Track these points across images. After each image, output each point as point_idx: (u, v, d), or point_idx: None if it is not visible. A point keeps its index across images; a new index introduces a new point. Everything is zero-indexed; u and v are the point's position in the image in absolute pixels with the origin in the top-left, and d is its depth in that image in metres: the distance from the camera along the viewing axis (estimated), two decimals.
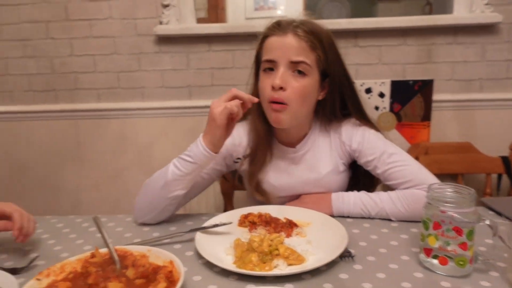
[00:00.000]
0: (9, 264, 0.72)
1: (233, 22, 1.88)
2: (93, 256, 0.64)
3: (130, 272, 0.58)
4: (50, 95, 1.77)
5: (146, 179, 0.92)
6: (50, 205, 1.88)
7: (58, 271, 0.60)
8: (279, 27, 0.86)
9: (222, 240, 0.74)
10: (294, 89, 0.84)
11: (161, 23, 1.64)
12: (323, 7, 4.68)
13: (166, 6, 1.63)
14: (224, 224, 0.78)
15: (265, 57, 0.88)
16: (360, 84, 1.61)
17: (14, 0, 1.69)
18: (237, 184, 1.16)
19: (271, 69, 0.86)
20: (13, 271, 0.66)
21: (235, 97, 0.81)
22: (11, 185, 1.87)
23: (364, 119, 0.96)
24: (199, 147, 0.81)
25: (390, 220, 0.86)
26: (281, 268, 0.63)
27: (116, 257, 0.63)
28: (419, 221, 0.67)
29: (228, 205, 1.31)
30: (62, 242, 0.81)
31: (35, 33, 1.71)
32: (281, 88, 0.83)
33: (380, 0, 4.54)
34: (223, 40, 1.66)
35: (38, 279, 0.57)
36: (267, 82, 0.86)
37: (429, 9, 4.18)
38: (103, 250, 0.66)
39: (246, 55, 1.67)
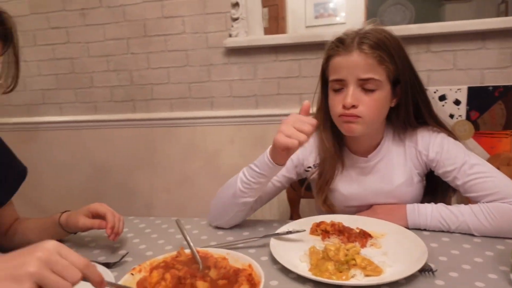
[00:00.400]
0: (102, 259, 0.80)
1: (295, 31, 1.90)
2: (178, 255, 0.68)
3: (212, 273, 0.62)
4: (128, 105, 1.92)
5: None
6: (126, 206, 2.03)
7: (148, 267, 0.65)
8: (343, 45, 0.84)
9: (296, 247, 0.76)
10: (366, 105, 0.83)
11: (230, 35, 1.71)
12: (386, 11, 4.51)
13: (235, 19, 1.70)
14: (297, 231, 0.79)
15: (332, 77, 0.87)
16: (433, 91, 1.54)
17: (100, 20, 1.87)
18: (305, 192, 1.17)
19: (341, 88, 0.86)
20: (106, 265, 0.73)
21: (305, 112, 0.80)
22: (94, 186, 2.05)
23: (441, 127, 0.92)
24: (265, 158, 0.82)
25: (471, 235, 0.81)
26: (359, 278, 0.63)
27: (198, 258, 0.67)
28: (506, 238, 0.62)
29: (294, 213, 1.32)
30: (146, 241, 0.88)
31: (117, 49, 1.88)
32: (353, 106, 0.83)
33: (448, 1, 4.26)
34: (289, 50, 1.69)
35: (132, 274, 0.63)
36: (337, 100, 0.86)
37: (505, 8, 3.83)
38: (187, 251, 0.70)
39: (311, 64, 1.68)
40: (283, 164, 0.82)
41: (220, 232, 0.91)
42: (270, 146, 0.82)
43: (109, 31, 1.87)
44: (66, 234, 0.86)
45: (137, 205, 2.02)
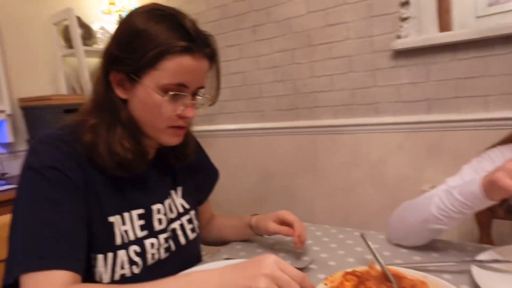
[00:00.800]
0: (288, 263, 0.84)
1: (462, 24, 1.66)
2: (369, 270, 0.67)
3: None
4: (293, 113, 2.02)
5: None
6: (288, 210, 2.13)
7: (340, 279, 0.65)
8: None
9: (505, 279, 0.65)
10: None
11: (399, 37, 1.61)
12: None
13: (404, 19, 1.59)
14: (508, 261, 0.68)
15: None
16: None
17: (269, 35, 2.02)
18: (502, 214, 1.00)
19: None
20: None
21: None
22: (259, 190, 2.23)
23: None
24: (476, 190, 0.70)
25: None
26: None
27: (392, 277, 0.64)
28: None
29: (484, 236, 1.14)
30: (326, 251, 0.89)
31: (283, 60, 1.99)
32: None
33: None
34: (472, 47, 1.48)
35: (325, 284, 0.64)
36: None
37: None
38: (377, 267, 0.68)
39: (500, 60, 1.44)
40: (498, 200, 0.70)
41: (404, 250, 0.85)
42: (483, 175, 0.70)
43: (276, 44, 2.00)
44: (255, 235, 0.95)
45: (299, 211, 2.08)
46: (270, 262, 0.51)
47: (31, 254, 0.59)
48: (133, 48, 0.67)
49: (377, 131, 1.76)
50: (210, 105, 0.82)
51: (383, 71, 1.70)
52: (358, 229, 1.00)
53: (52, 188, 0.64)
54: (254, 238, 0.97)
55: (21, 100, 2.12)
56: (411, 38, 1.58)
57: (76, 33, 2.18)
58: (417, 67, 1.62)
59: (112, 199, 0.72)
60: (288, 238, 0.95)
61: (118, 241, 0.71)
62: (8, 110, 1.94)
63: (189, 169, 0.94)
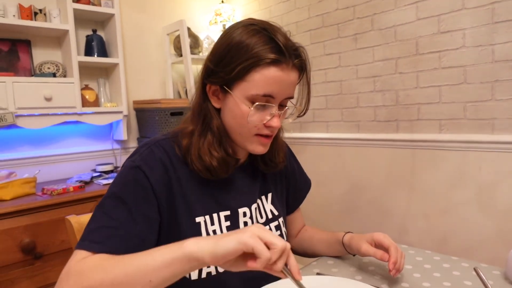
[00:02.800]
0: (384, 286, 0.79)
1: None
2: None
3: None
4: (391, 125, 1.90)
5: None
6: (377, 226, 2.02)
7: None
8: None
9: None
10: None
11: None
12: None
13: None
14: None
15: None
16: None
17: (371, 43, 1.94)
18: None
19: None
20: None
21: None
22: (348, 201, 2.15)
23: None
24: None
25: None
26: None
27: None
28: None
29: None
30: (429, 279, 0.81)
31: (385, 69, 1.89)
32: None
33: None
34: None
35: None
36: None
37: None
38: None
39: None
40: None
41: None
42: None
43: (378, 53, 1.92)
44: (346, 253, 0.91)
45: (389, 227, 1.96)
46: (256, 226, 0.55)
47: (88, 235, 0.66)
48: (226, 62, 0.71)
49: (490, 150, 1.56)
50: (300, 116, 0.82)
51: (503, 84, 1.51)
52: (466, 259, 0.90)
53: (127, 187, 0.70)
54: (346, 255, 0.93)
55: (135, 102, 2.38)
56: None
57: (186, 42, 2.37)
58: None
59: (201, 200, 0.77)
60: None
61: None
62: (125, 111, 2.19)
63: (280, 177, 0.96)
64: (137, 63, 2.46)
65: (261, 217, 0.86)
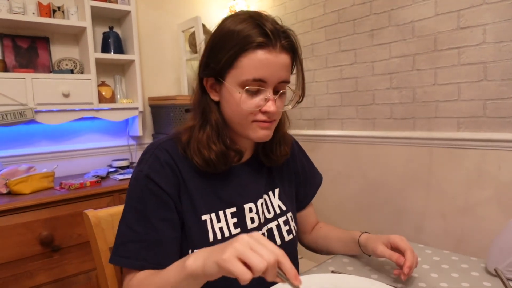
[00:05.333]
0: (400, 286, 0.78)
1: None
2: None
3: None
4: (408, 123, 1.87)
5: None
6: (393, 224, 1.99)
7: None
8: None
9: None
10: None
11: None
12: None
13: None
14: None
15: None
16: None
17: (388, 39, 1.91)
18: None
19: None
20: None
21: None
22: (363, 199, 2.13)
23: None
24: None
25: None
26: None
27: None
28: None
29: None
30: (446, 279, 0.80)
31: (402, 66, 1.86)
32: None
33: None
34: None
35: None
36: None
37: None
38: None
39: None
40: None
41: None
42: None
43: (395, 49, 1.88)
44: (362, 253, 0.90)
45: (406, 226, 1.93)
46: (245, 237, 0.52)
47: (117, 251, 0.72)
48: (216, 52, 0.73)
49: (511, 148, 1.52)
50: (298, 102, 0.81)
51: None
52: (483, 259, 0.88)
53: (142, 198, 0.73)
54: (361, 255, 0.92)
55: (150, 98, 2.40)
56: None
57: (201, 39, 2.37)
58: None
59: (206, 198, 0.78)
60: None
61: (211, 238, 0.76)
62: (140, 108, 2.21)
63: (288, 172, 0.95)
64: (152, 59, 2.48)
65: (269, 212, 0.86)
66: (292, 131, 0.97)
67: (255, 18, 0.71)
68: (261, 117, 0.74)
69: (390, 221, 2.01)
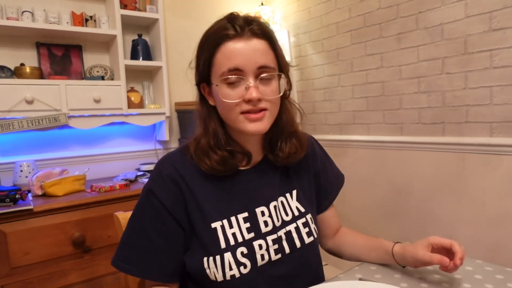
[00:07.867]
0: None
1: None
2: None
3: None
4: (437, 128, 1.82)
5: None
6: (421, 232, 1.94)
7: None
8: None
9: None
10: None
11: None
12: None
13: None
14: None
15: None
16: None
17: (415, 43, 1.87)
18: None
19: None
20: None
21: None
22: (389, 206, 2.08)
23: None
24: None
25: None
26: None
27: None
28: None
29: None
30: None
31: (430, 70, 1.82)
32: None
33: None
34: None
35: None
36: None
37: None
38: None
39: None
40: None
41: None
42: None
43: (423, 53, 1.85)
44: (395, 263, 0.87)
45: (434, 234, 1.83)
46: None
47: (116, 254, 0.78)
48: (199, 58, 0.79)
49: None
50: (288, 89, 0.82)
51: None
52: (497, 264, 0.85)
53: (142, 210, 0.79)
54: (390, 263, 0.90)
55: (177, 104, 2.45)
56: None
57: None
58: None
59: (216, 206, 0.79)
60: (431, 267, 0.87)
61: (223, 244, 0.76)
62: (167, 113, 2.26)
63: (308, 172, 0.93)
64: (179, 65, 2.53)
65: (287, 214, 0.85)
66: (317, 136, 0.97)
67: (226, 18, 0.75)
68: (245, 107, 0.74)
69: (417, 228, 1.96)
